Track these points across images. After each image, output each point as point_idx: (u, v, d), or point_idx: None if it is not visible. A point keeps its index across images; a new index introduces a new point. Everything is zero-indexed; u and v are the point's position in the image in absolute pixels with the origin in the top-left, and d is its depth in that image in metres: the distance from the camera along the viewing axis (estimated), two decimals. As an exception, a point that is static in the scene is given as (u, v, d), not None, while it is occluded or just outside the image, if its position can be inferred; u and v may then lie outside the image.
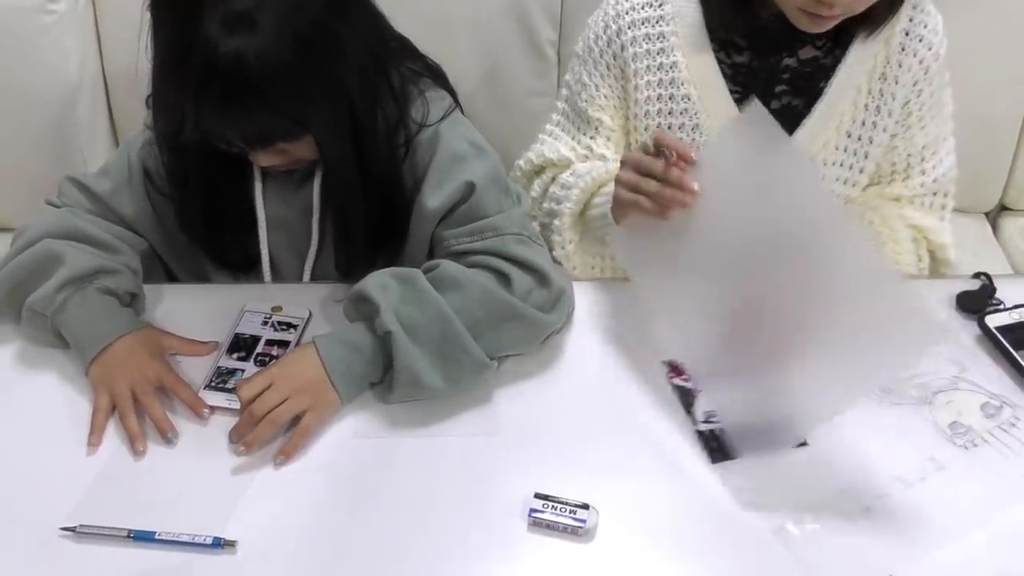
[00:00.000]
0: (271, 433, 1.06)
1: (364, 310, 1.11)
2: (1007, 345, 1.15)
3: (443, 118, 1.20)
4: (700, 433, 1.07)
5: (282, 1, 1.02)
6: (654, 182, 1.09)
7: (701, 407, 1.10)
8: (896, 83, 1.20)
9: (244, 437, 1.05)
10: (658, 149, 1.08)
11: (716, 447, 1.05)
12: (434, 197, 1.17)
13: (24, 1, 1.62)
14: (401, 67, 1.21)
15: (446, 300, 1.08)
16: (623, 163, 1.14)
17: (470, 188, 1.16)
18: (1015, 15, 1.68)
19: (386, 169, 1.19)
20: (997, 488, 1.02)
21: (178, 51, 1.03)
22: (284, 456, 1.05)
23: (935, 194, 1.31)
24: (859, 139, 1.24)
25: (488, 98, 1.70)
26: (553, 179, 1.35)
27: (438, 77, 1.26)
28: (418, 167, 1.20)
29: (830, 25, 1.14)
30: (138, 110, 1.25)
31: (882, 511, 1.00)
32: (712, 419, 1.08)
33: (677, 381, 1.13)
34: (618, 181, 1.14)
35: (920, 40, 1.19)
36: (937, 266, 1.34)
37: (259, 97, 1.02)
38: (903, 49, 1.19)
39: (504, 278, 1.12)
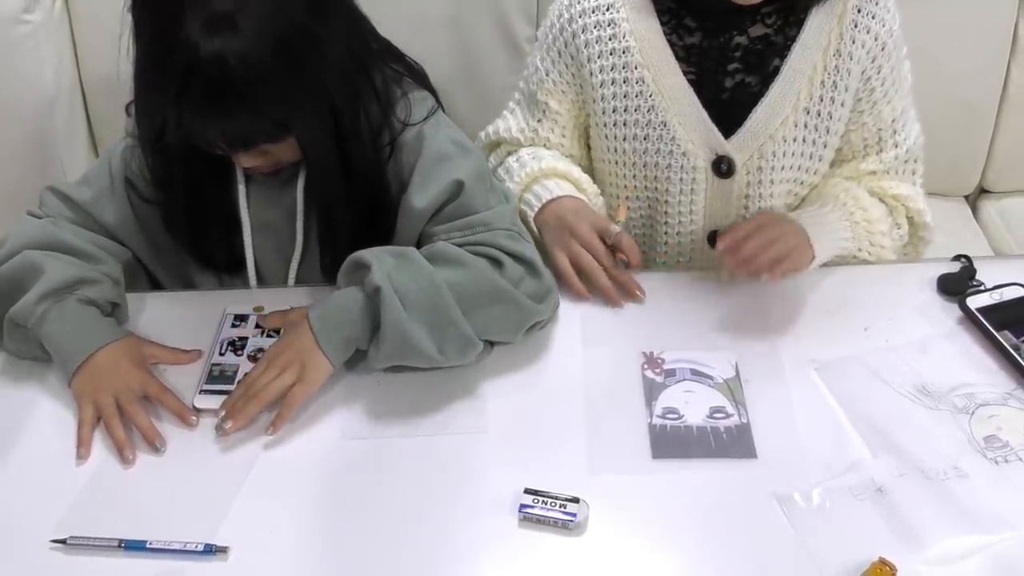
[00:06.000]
0: (255, 410, 1.07)
1: (357, 276, 1.12)
2: (988, 326, 1.16)
3: (426, 118, 1.20)
4: (651, 426, 1.08)
5: (263, 3, 1.02)
6: (600, 271, 1.21)
7: (661, 403, 1.10)
8: (851, 59, 1.22)
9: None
10: (614, 248, 1.22)
11: (662, 443, 1.06)
12: (421, 197, 1.17)
13: (-2, 11, 1.61)
14: (384, 68, 1.21)
15: (439, 273, 1.09)
16: (574, 231, 1.22)
17: (458, 186, 1.16)
18: (992, -1, 1.69)
19: (371, 169, 1.19)
20: (1018, 506, 0.98)
21: (159, 53, 1.03)
22: (273, 429, 1.07)
23: (907, 162, 1.33)
24: (818, 115, 1.25)
25: (466, 94, 1.69)
26: (508, 154, 1.38)
27: (420, 78, 1.27)
28: (403, 168, 1.20)
29: None
30: (117, 118, 1.25)
31: (892, 498, 0.99)
32: (668, 416, 1.09)
33: (648, 373, 1.14)
34: (562, 247, 1.22)
35: (872, 17, 1.21)
36: (916, 230, 1.35)
37: (240, 99, 1.02)
38: (856, 25, 1.21)
39: (496, 263, 1.13)
